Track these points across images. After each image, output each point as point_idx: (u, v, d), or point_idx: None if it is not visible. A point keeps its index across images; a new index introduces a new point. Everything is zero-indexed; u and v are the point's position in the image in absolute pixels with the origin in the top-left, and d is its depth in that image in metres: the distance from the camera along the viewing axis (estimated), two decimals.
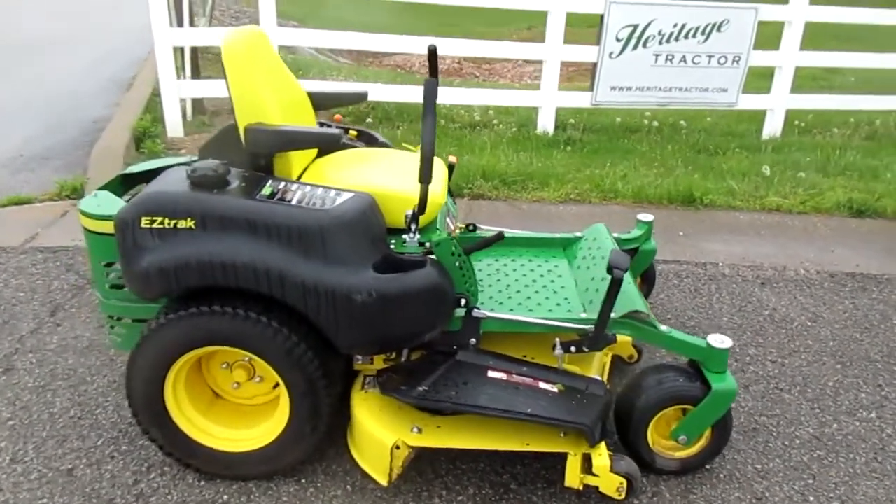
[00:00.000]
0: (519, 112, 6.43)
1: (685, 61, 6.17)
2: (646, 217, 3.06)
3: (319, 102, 2.77)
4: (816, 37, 7.17)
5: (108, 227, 2.13)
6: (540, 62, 6.17)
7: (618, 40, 5.95)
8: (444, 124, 6.19)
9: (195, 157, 2.63)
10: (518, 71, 11.98)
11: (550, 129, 6.08)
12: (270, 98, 2.26)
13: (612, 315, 2.26)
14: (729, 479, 2.33)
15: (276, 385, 2.22)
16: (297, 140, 2.22)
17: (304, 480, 2.27)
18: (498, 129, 6.13)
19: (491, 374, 2.26)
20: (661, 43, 6.07)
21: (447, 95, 6.02)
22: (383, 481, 2.14)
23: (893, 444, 2.51)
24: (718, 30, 6.14)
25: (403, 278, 2.06)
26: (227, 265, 2.01)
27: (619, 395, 2.36)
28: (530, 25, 13.57)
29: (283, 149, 2.23)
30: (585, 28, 7.13)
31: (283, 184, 2.16)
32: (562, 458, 2.10)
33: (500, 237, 2.31)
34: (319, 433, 2.22)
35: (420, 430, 2.13)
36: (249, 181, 2.15)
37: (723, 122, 6.82)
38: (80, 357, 2.88)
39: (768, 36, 6.37)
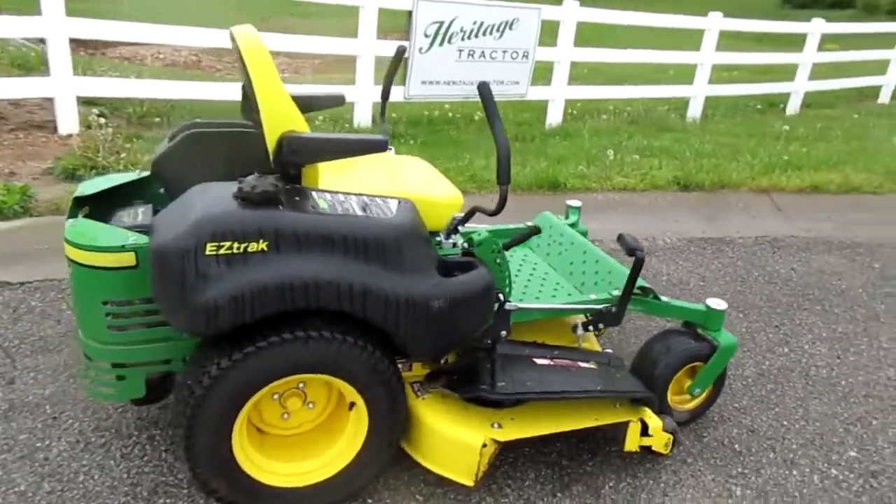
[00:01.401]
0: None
1: (484, 56, 6.63)
2: (574, 203, 3.34)
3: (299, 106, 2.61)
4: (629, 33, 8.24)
5: (111, 259, 1.86)
6: (280, 52, 6.28)
7: (426, 36, 6.22)
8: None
9: (145, 172, 2.36)
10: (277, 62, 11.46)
11: (368, 124, 6.18)
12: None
13: (616, 293, 2.49)
14: (722, 420, 2.69)
15: (352, 405, 2.09)
16: (345, 148, 2.09)
17: (370, 501, 2.18)
18: (312, 126, 6.03)
19: (538, 361, 2.36)
20: (463, 39, 6.47)
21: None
22: (469, 481, 2.13)
23: (813, 370, 3.10)
24: (510, 27, 6.71)
25: (466, 280, 2.07)
26: (308, 286, 1.85)
27: (636, 364, 2.60)
28: (263, 17, 13.30)
29: (328, 158, 2.09)
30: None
31: (327, 195, 2.03)
32: (593, 428, 2.27)
33: (536, 231, 2.41)
34: (394, 449, 2.15)
35: (500, 426, 2.17)
36: (297, 194, 1.99)
37: (510, 112, 7.37)
38: (25, 421, 2.41)
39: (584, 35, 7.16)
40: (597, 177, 5.21)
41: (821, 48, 8.52)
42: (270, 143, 2.00)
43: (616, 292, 2.53)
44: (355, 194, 2.09)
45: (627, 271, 2.71)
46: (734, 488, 2.35)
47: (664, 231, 4.53)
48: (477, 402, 2.20)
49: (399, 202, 2.08)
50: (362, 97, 6.12)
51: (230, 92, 5.48)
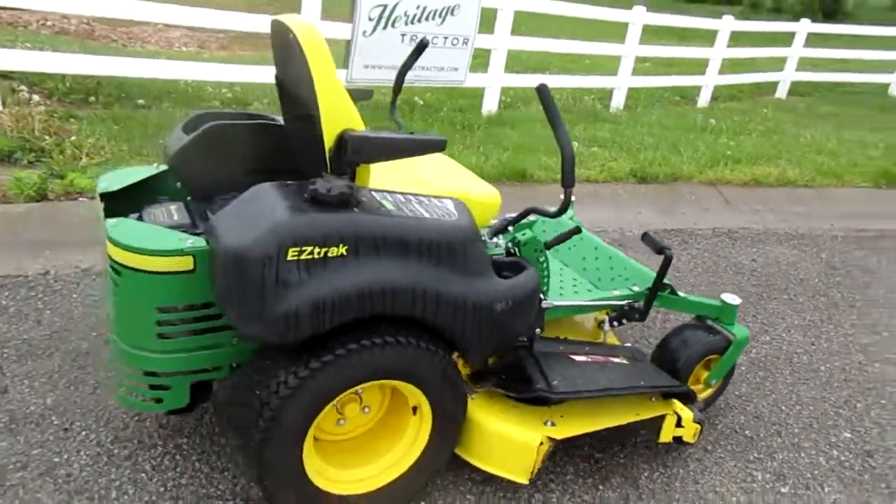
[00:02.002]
0: (255, 90, 6.14)
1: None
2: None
3: None
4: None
5: (168, 263, 1.75)
6: (182, 26, 6.02)
7: (370, 19, 6.13)
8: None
9: (163, 166, 2.24)
10: (162, 36, 10.58)
11: None
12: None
13: (637, 289, 2.57)
14: (729, 408, 2.84)
15: (415, 409, 2.06)
16: (408, 148, 2.04)
17: (422, 503, 2.16)
18: (246, 110, 5.83)
19: (576, 358, 2.40)
20: (406, 24, 6.40)
21: (185, 70, 5.53)
22: (524, 479, 2.16)
23: (794, 357, 3.31)
24: (452, 13, 6.70)
25: (522, 282, 2.08)
26: (386, 291, 1.80)
27: (656, 357, 2.69)
28: None
29: (391, 158, 2.04)
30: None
31: (388, 195, 1.98)
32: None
33: (577, 231, 2.44)
34: (452, 451, 2.14)
35: (553, 423, 2.20)
36: (363, 195, 1.93)
37: (445, 98, 7.27)
38: (33, 433, 2.23)
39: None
40: (560, 168, 5.31)
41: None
42: (328, 141, 1.93)
43: (636, 288, 2.60)
44: (412, 194, 2.05)
45: (641, 267, 2.79)
46: (755, 473, 2.49)
47: (629, 222, 4.69)
48: (525, 400, 2.22)
49: (454, 202, 2.05)
50: None
51: (163, 70, 5.24)
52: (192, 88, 6.05)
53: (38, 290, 3.05)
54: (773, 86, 10.31)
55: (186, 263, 1.81)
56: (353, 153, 1.94)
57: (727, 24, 8.85)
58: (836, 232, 5.05)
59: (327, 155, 1.95)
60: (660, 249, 2.49)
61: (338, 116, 1.93)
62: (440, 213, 1.94)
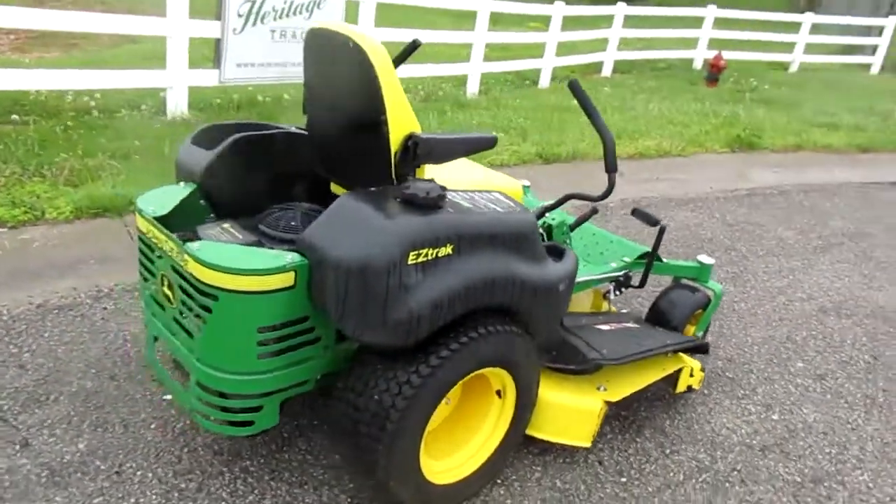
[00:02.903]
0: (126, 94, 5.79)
1: (296, 36, 6.54)
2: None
3: None
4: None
5: (272, 282, 1.76)
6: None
7: (239, 16, 6.01)
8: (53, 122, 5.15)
9: (192, 184, 2.19)
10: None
11: (186, 111, 5.76)
12: None
13: (628, 260, 2.85)
14: (705, 355, 3.21)
15: (499, 393, 2.17)
16: (468, 147, 2.15)
17: (497, 480, 2.29)
18: (124, 119, 5.47)
19: (602, 327, 2.63)
20: (275, 19, 6.34)
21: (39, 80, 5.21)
22: (587, 443, 2.35)
23: (736, 304, 3.76)
24: (319, 7, 6.70)
25: (571, 262, 2.27)
26: (487, 284, 1.92)
27: (651, 319, 2.97)
28: None
29: (455, 157, 2.12)
30: None
31: (457, 193, 2.08)
32: None
33: (595, 211, 2.64)
34: (526, 427, 2.28)
35: (605, 388, 2.40)
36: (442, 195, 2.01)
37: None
38: (83, 483, 2.09)
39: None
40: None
41: (531, 28, 9.53)
42: (395, 145, 1.99)
43: (627, 259, 2.88)
44: (467, 191, 2.15)
45: (622, 239, 3.07)
46: (748, 406, 2.86)
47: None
48: (577, 371, 2.40)
49: (503, 195, 2.18)
50: (177, 82, 5.61)
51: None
52: (46, 98, 5.54)
53: (1, 334, 2.77)
54: (598, 65, 11.03)
55: (288, 280, 1.80)
56: (425, 155, 2.01)
57: (559, 9, 9.40)
58: (717, 194, 5.71)
59: (394, 159, 2.01)
60: (654, 222, 2.77)
61: (403, 121, 1.99)
62: (504, 206, 2.07)
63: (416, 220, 1.79)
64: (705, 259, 3.03)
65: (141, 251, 2.08)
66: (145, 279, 2.12)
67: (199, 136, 2.37)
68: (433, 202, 1.85)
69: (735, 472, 2.47)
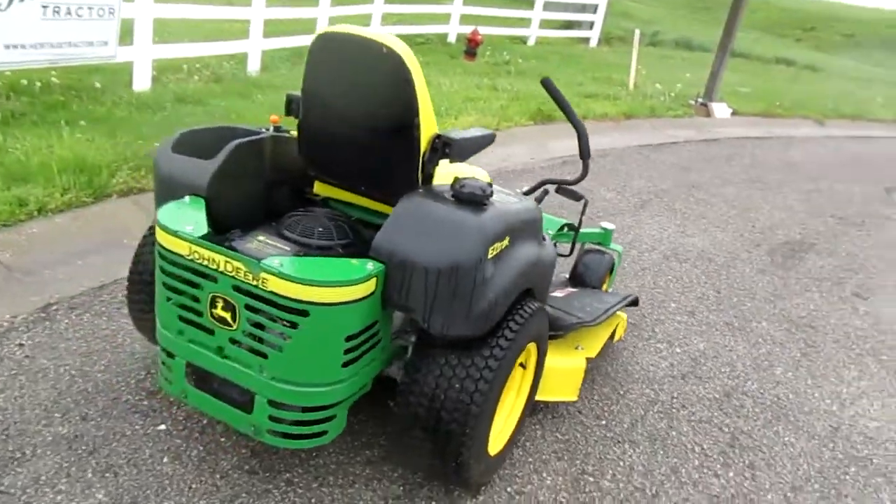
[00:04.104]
0: None
1: (70, 13, 5.90)
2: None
3: None
4: None
5: (359, 291, 1.84)
6: None
7: None
8: None
9: (199, 198, 2.12)
10: None
11: None
12: None
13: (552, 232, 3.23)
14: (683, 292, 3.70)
15: (522, 365, 2.38)
16: (483, 144, 2.30)
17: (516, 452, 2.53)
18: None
19: (559, 295, 2.96)
20: None
21: None
22: (575, 397, 2.68)
23: (681, 250, 4.34)
24: None
25: (549, 242, 2.57)
26: (528, 268, 2.15)
27: (572, 281, 3.37)
28: None
29: (475, 153, 2.26)
30: None
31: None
32: None
33: (586, 203, 2.93)
34: None
35: (582, 347, 2.74)
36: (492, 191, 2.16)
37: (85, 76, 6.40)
38: None
39: None
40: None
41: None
42: (424, 144, 2.11)
43: (551, 232, 3.24)
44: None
45: (547, 215, 3.43)
46: (656, 344, 3.41)
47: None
48: (557, 336, 2.71)
49: (497, 187, 2.41)
50: None
51: None
52: None
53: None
54: None
55: (371, 287, 1.86)
56: (457, 154, 2.15)
57: None
58: (540, 163, 6.31)
59: (422, 158, 2.12)
60: (578, 197, 3.16)
61: (430, 122, 2.11)
62: (514, 197, 2.31)
63: (488, 217, 1.94)
64: (607, 225, 3.50)
65: (171, 274, 1.94)
66: (169, 300, 1.98)
67: (179, 145, 2.23)
68: (487, 200, 2.01)
69: (675, 400, 2.98)
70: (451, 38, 13.24)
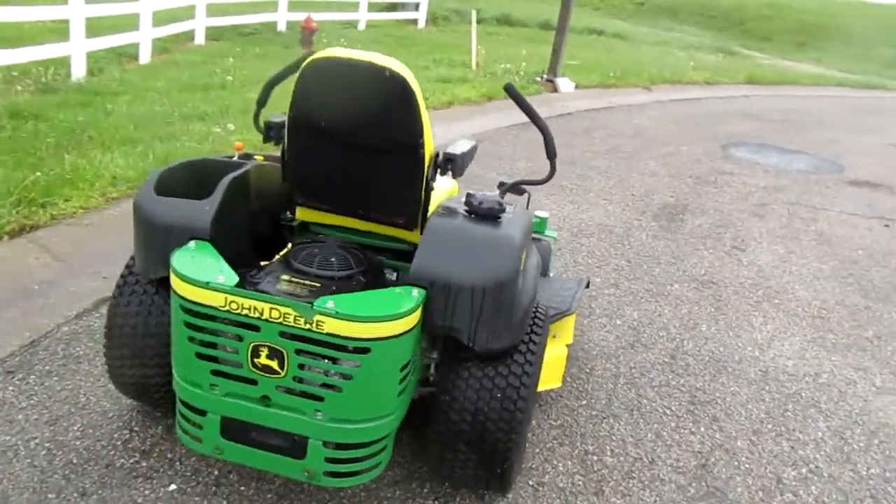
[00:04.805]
0: None
1: None
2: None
3: None
4: None
5: (412, 320, 1.87)
6: None
7: None
8: None
9: (203, 242, 2.03)
10: None
11: None
12: None
13: None
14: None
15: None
16: (473, 155, 2.36)
17: None
18: None
19: None
20: None
21: None
22: (559, 383, 2.82)
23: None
24: None
25: None
26: (537, 271, 2.26)
27: None
28: None
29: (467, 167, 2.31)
30: None
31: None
32: None
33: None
34: None
35: (558, 336, 2.88)
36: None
37: None
38: None
39: None
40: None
41: None
42: (427, 162, 2.15)
43: None
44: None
45: None
46: (600, 319, 3.65)
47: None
48: None
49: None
50: None
51: None
52: None
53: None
54: (190, 34, 10.65)
55: (419, 314, 1.87)
56: (458, 169, 2.20)
57: None
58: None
59: (427, 175, 2.15)
60: (522, 192, 3.28)
61: (430, 141, 2.15)
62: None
63: (513, 229, 2.02)
64: (541, 213, 3.67)
65: (203, 329, 1.83)
66: (199, 356, 1.86)
67: (163, 186, 2.09)
68: (503, 213, 2.07)
69: (633, 370, 3.23)
70: (282, 27, 12.88)
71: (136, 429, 2.41)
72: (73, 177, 4.24)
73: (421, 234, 2.34)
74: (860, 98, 14.70)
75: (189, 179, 2.18)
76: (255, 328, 1.78)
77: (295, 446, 1.90)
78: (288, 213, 2.49)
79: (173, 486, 2.19)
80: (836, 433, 2.96)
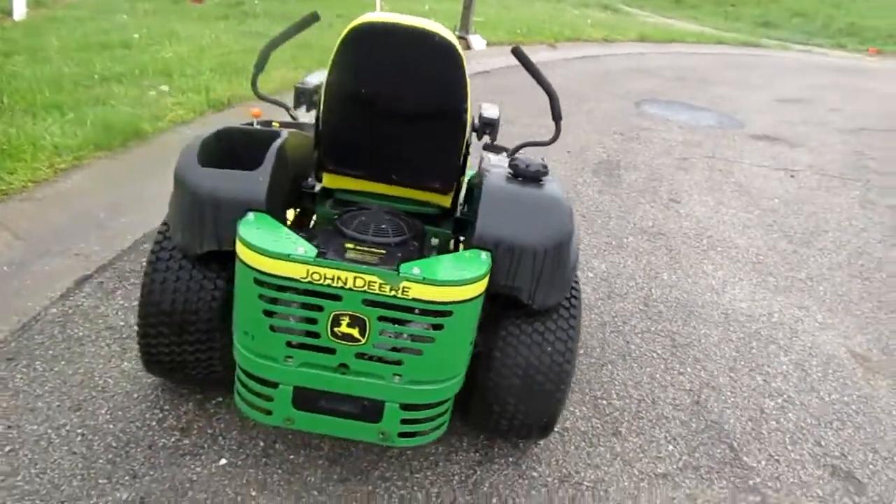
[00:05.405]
0: None
1: None
2: None
3: None
4: None
5: (486, 280, 1.95)
6: None
7: None
8: None
9: (261, 213, 2.03)
10: None
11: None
12: None
13: None
14: None
15: None
16: None
17: None
18: None
19: None
20: None
21: None
22: None
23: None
24: None
25: None
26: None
27: None
28: None
29: None
30: None
31: None
32: None
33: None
34: None
35: None
36: None
37: None
38: None
39: None
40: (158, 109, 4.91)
41: None
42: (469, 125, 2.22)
43: None
44: None
45: None
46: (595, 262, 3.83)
47: None
48: None
49: None
50: None
51: None
52: None
53: None
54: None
55: (488, 277, 1.95)
56: (496, 133, 2.27)
57: None
58: None
59: (468, 140, 2.22)
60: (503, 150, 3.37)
61: (470, 107, 2.20)
62: None
63: (561, 190, 2.11)
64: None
65: (281, 301, 1.82)
66: (274, 329, 1.86)
67: (206, 156, 2.03)
68: (546, 174, 2.16)
69: (616, 318, 3.45)
70: None
71: (167, 407, 2.36)
72: (8, 147, 3.92)
73: (454, 198, 2.40)
74: (740, 55, 15.65)
75: (223, 149, 2.13)
76: (337, 297, 1.80)
77: (367, 410, 1.94)
78: (309, 179, 2.47)
79: (223, 461, 2.18)
80: (797, 366, 3.31)
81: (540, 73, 2.66)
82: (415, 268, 1.79)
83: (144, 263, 2.18)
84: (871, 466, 2.69)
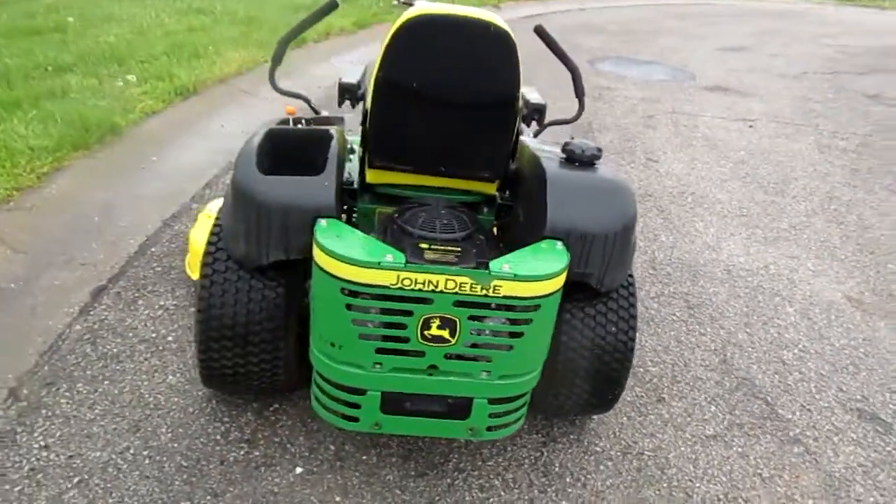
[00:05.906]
0: None
1: None
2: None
3: None
4: None
5: (565, 275, 1.98)
6: None
7: None
8: None
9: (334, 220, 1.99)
10: None
11: None
12: None
13: None
14: None
15: None
16: None
17: None
18: None
19: None
20: None
21: None
22: None
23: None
24: None
25: None
26: None
27: None
28: None
29: None
30: None
31: None
32: None
33: None
34: None
35: None
36: None
37: None
38: None
39: None
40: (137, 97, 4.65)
41: None
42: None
43: None
44: None
45: None
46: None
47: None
48: None
49: None
50: None
51: None
52: None
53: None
54: None
55: None
56: (543, 119, 2.27)
57: None
58: None
59: (518, 127, 2.21)
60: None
61: (521, 95, 2.19)
62: None
63: (621, 174, 2.13)
64: None
65: (371, 310, 1.80)
66: (364, 338, 1.84)
67: (264, 162, 1.96)
68: (600, 158, 2.18)
69: None
70: None
71: (227, 420, 2.31)
72: None
73: (501, 185, 2.40)
74: (675, 5, 15.92)
75: (276, 153, 2.06)
76: (427, 301, 1.79)
77: (454, 408, 1.95)
78: (346, 174, 2.41)
79: (299, 469, 2.17)
80: (803, 315, 3.48)
81: (562, 50, 2.65)
82: (504, 265, 1.79)
83: (200, 279, 2.10)
84: (891, 406, 2.87)
